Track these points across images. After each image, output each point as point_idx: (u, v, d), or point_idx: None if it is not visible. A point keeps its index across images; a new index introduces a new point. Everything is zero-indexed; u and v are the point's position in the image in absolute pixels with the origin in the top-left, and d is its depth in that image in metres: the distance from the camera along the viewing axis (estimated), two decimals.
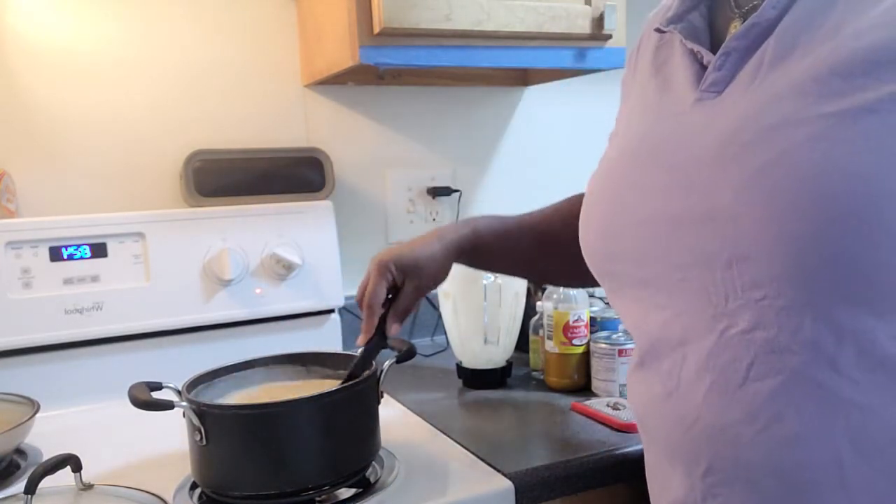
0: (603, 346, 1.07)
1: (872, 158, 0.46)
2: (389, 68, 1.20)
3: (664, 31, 0.64)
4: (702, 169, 0.54)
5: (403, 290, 0.84)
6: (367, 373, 0.82)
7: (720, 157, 0.53)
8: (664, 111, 0.62)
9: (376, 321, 0.83)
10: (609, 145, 0.73)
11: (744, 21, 0.56)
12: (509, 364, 1.16)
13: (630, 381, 0.67)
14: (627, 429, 0.93)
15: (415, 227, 1.46)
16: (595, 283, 0.71)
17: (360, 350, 0.84)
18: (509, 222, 0.90)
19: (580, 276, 0.97)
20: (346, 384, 0.81)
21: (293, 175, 1.32)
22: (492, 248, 0.89)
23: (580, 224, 0.69)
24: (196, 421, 0.75)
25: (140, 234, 1.15)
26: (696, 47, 0.60)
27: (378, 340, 0.83)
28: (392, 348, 0.89)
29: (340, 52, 1.14)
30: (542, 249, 0.89)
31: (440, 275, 0.86)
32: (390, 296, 0.84)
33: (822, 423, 0.49)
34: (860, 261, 0.46)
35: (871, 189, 0.46)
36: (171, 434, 0.88)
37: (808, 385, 0.50)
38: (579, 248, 0.70)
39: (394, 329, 0.84)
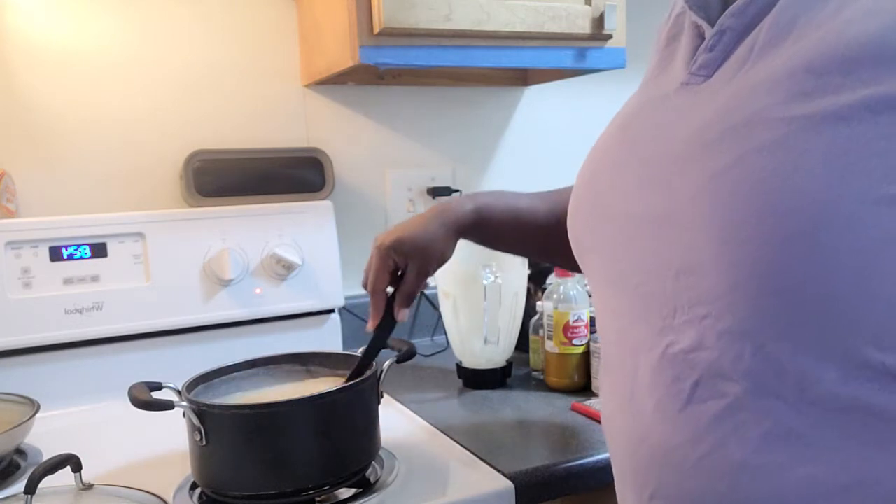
0: None
1: (831, 175, 0.39)
2: (389, 68, 1.20)
3: None
4: (668, 166, 0.49)
5: (407, 274, 0.83)
6: (367, 373, 0.83)
7: (685, 155, 0.48)
8: (654, 92, 0.57)
9: (383, 305, 0.84)
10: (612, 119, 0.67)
11: None
12: (509, 364, 1.16)
13: (599, 384, 0.63)
14: None
15: None
16: None
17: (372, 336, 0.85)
18: (520, 202, 0.86)
19: None
20: (351, 378, 0.83)
21: (293, 175, 1.32)
22: (497, 228, 0.86)
23: (569, 206, 0.65)
24: (196, 421, 0.75)
25: (140, 234, 1.15)
26: (699, 19, 0.52)
27: (387, 324, 0.84)
28: (392, 348, 0.89)
29: (340, 52, 1.14)
30: (556, 233, 0.83)
31: (443, 256, 0.85)
32: (399, 275, 0.85)
33: (767, 454, 0.44)
34: (804, 295, 0.40)
35: (824, 212, 0.39)
36: (171, 434, 0.87)
37: (752, 412, 0.45)
38: None
39: (402, 314, 0.84)
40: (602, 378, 0.61)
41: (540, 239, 0.87)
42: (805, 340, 0.42)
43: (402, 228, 0.84)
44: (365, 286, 0.85)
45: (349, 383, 0.80)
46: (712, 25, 0.51)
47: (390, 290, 0.84)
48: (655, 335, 0.50)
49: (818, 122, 0.40)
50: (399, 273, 0.85)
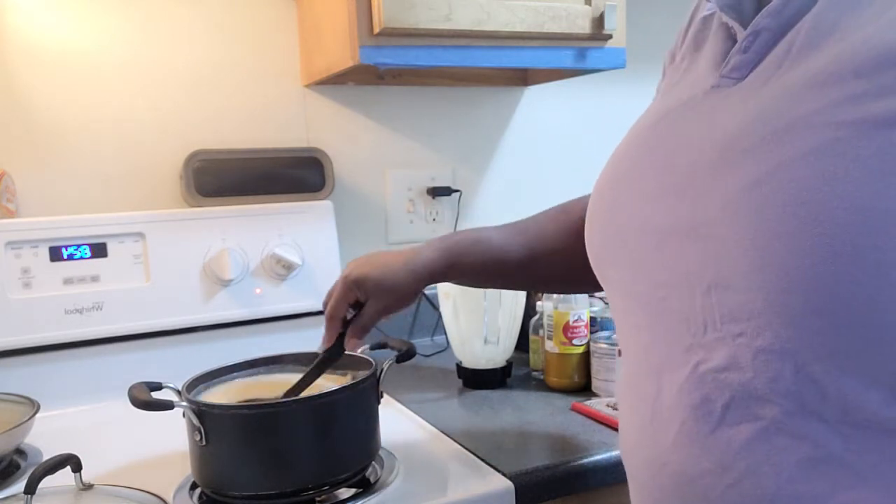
0: (603, 346, 1.07)
1: (888, 184, 0.36)
2: (389, 68, 1.20)
3: None
4: (697, 174, 0.47)
5: (365, 308, 0.84)
6: (367, 373, 0.83)
7: (717, 162, 0.45)
8: (681, 96, 0.54)
9: (336, 332, 0.84)
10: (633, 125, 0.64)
11: None
12: (509, 364, 1.16)
13: (618, 404, 0.61)
14: None
15: (415, 227, 1.46)
16: (591, 290, 0.67)
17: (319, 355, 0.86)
18: (493, 244, 0.84)
19: (574, 288, 0.95)
20: (290, 393, 0.83)
21: (293, 175, 1.32)
22: (469, 273, 0.85)
23: (587, 215, 0.63)
24: (196, 421, 0.75)
25: (140, 234, 1.15)
26: (730, 21, 0.50)
27: (335, 351, 0.85)
28: (392, 348, 0.89)
29: (340, 53, 1.14)
30: (534, 267, 0.84)
31: (406, 300, 0.85)
32: (355, 311, 0.85)
33: (803, 483, 0.42)
34: (852, 314, 0.38)
35: (878, 226, 0.36)
36: (171, 434, 0.87)
37: (789, 437, 0.42)
38: (576, 262, 0.66)
39: (351, 344, 0.85)
40: (620, 397, 0.59)
41: (517, 277, 0.87)
42: (851, 361, 0.39)
43: (372, 264, 0.84)
44: (324, 307, 0.86)
45: (342, 386, 0.80)
46: (744, 27, 0.49)
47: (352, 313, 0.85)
48: (682, 353, 0.47)
49: (870, 128, 0.38)
50: (357, 307, 0.85)
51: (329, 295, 0.86)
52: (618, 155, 0.60)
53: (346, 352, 0.87)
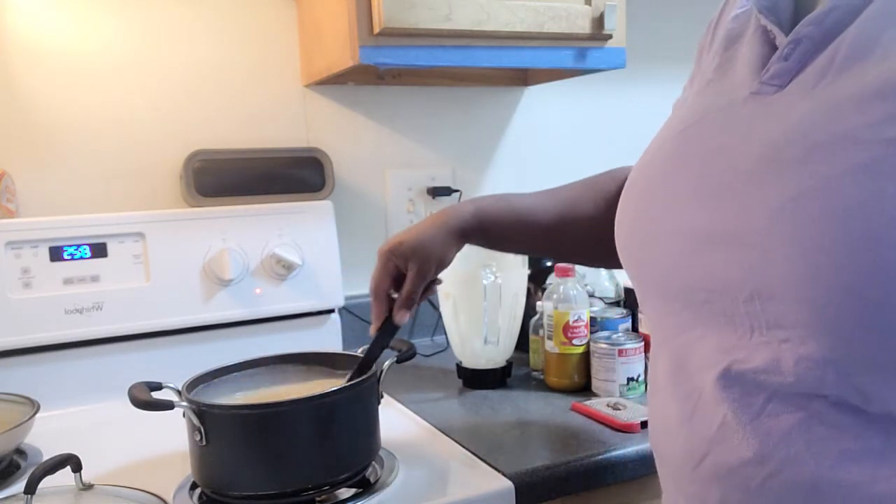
0: (603, 346, 1.07)
1: None
2: (389, 68, 1.20)
3: None
4: (737, 182, 0.46)
5: (407, 276, 0.83)
6: (367, 374, 0.83)
7: (759, 172, 0.45)
8: (717, 99, 0.53)
9: (384, 308, 0.84)
10: (663, 125, 0.62)
11: None
12: (509, 364, 1.16)
13: (650, 399, 0.60)
14: (627, 429, 0.93)
15: None
16: (617, 266, 0.66)
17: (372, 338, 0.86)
18: (524, 204, 0.85)
19: (602, 259, 0.91)
20: (351, 380, 0.82)
21: (293, 175, 1.32)
22: (500, 231, 0.85)
23: (616, 216, 0.62)
24: (196, 421, 0.75)
25: (140, 234, 1.15)
26: (770, 25, 0.49)
27: (388, 327, 0.84)
28: (392, 348, 0.89)
29: (340, 53, 1.14)
30: (564, 232, 0.84)
31: (442, 259, 0.84)
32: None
33: (844, 472, 0.42)
34: None
35: None
36: (171, 434, 0.87)
37: (830, 427, 0.43)
38: (605, 234, 0.65)
39: (399, 316, 0.83)
40: (656, 393, 0.58)
41: (547, 239, 0.87)
42: (895, 373, 0.40)
43: (403, 233, 0.84)
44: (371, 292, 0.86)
45: (349, 383, 0.80)
46: (782, 30, 0.48)
47: (396, 295, 0.85)
48: (728, 350, 0.48)
49: None
50: (399, 279, 0.85)
51: (372, 276, 0.85)
52: (649, 156, 0.59)
53: (355, 351, 0.88)
